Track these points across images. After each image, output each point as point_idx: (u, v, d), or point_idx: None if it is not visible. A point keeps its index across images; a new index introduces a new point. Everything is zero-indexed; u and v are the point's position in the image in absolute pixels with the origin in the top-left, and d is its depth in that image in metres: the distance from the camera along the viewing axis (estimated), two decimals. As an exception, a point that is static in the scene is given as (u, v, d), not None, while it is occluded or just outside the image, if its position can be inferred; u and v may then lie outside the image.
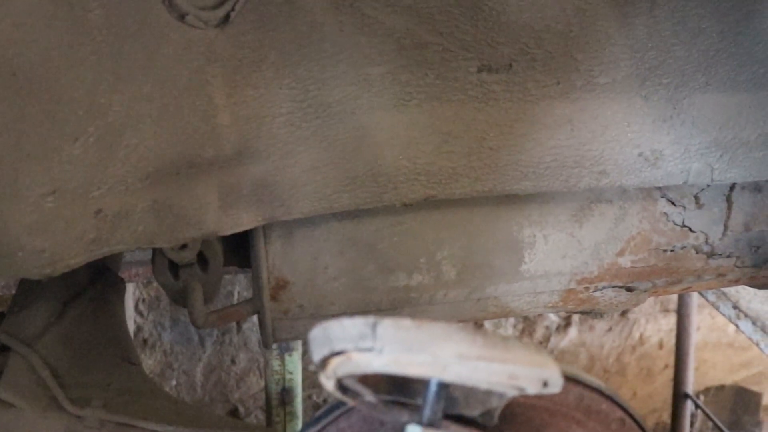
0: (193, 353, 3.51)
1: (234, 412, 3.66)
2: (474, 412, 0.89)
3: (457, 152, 1.28)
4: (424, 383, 0.84)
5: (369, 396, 0.88)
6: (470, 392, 0.87)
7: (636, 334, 4.21)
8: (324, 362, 0.81)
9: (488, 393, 0.86)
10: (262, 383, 3.40)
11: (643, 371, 4.30)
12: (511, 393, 0.82)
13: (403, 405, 0.90)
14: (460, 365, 0.75)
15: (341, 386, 0.85)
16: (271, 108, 1.18)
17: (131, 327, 3.21)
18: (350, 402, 0.89)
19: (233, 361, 3.56)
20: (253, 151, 1.20)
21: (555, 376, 0.79)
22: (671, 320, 4.05)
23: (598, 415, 1.05)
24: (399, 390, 0.89)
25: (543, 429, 0.98)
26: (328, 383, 0.83)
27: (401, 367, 0.76)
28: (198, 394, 3.56)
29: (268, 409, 2.73)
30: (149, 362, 3.42)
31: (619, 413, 1.06)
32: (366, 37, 1.17)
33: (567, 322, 4.04)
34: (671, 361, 3.77)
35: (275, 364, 2.66)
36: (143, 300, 3.35)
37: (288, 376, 2.68)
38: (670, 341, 4.01)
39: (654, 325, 4.21)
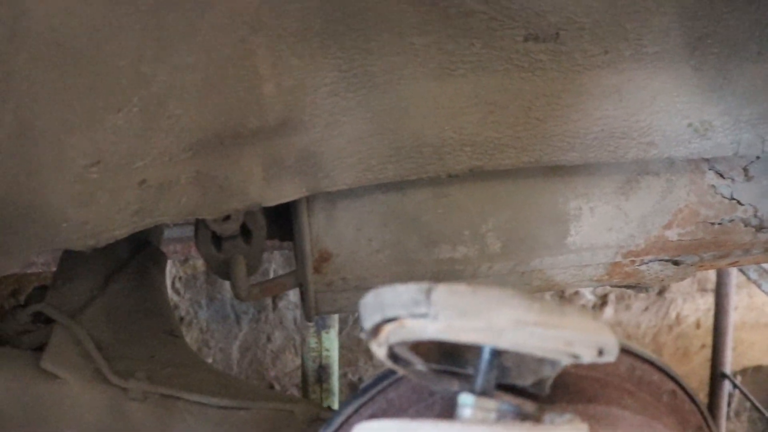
0: (230, 331, 3.52)
1: (270, 390, 3.68)
2: (526, 381, 0.88)
3: (503, 123, 1.26)
4: (475, 352, 0.83)
5: (420, 365, 0.87)
6: (522, 361, 0.86)
7: (673, 314, 4.17)
8: (376, 329, 0.79)
9: (541, 362, 0.85)
10: (298, 361, 3.41)
11: (680, 351, 4.27)
12: (566, 361, 0.81)
13: (454, 374, 0.89)
14: (516, 331, 0.73)
15: (392, 354, 0.84)
16: (315, 78, 1.17)
17: (169, 305, 3.22)
18: (400, 371, 0.89)
19: (269, 339, 3.57)
20: (297, 121, 1.19)
21: (611, 344, 0.78)
22: (708, 300, 4.02)
23: (649, 387, 1.03)
24: (449, 359, 0.89)
25: (595, 399, 0.97)
26: (379, 351, 0.82)
27: (456, 334, 0.74)
28: (234, 371, 3.57)
29: (304, 387, 2.73)
30: (186, 340, 3.44)
31: (671, 385, 1.05)
32: (411, 6, 1.16)
33: (603, 301, 4.01)
34: (708, 341, 3.75)
35: (312, 341, 2.66)
36: (180, 278, 3.37)
37: (325, 353, 2.68)
38: (708, 321, 3.97)
39: (691, 304, 4.17)
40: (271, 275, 3.34)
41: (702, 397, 4.20)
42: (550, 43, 1.23)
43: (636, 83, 1.28)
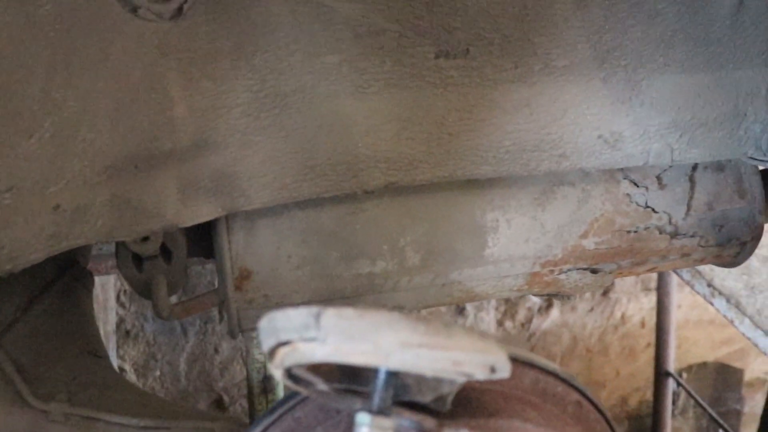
0: (176, 343, 3.51)
1: (218, 402, 3.67)
2: (426, 398, 0.90)
3: (416, 138, 1.28)
4: (374, 371, 0.84)
5: (321, 385, 0.88)
6: (422, 379, 0.87)
7: (618, 314, 4.22)
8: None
9: (438, 380, 0.86)
10: (246, 372, 3.41)
11: (626, 350, 4.33)
12: (460, 379, 0.83)
13: (356, 393, 0.91)
14: (402, 353, 0.75)
15: (292, 376, 0.85)
16: (227, 99, 1.18)
17: (113, 319, 3.21)
18: (303, 391, 0.90)
19: (216, 351, 3.57)
20: (210, 142, 1.20)
21: (502, 361, 0.80)
22: (652, 299, 4.08)
23: (554, 398, 1.05)
24: (352, 378, 0.90)
25: (497, 413, 0.98)
26: (276, 373, 0.83)
27: (344, 357, 0.76)
28: (182, 384, 3.57)
29: (250, 398, 2.74)
30: (132, 353, 3.43)
31: (576, 396, 1.07)
32: (321, 26, 1.18)
33: (549, 304, 4.05)
34: (653, 339, 3.80)
35: (256, 352, 2.67)
36: (125, 291, 3.35)
37: (269, 365, 2.68)
38: (652, 320, 4.03)
39: (635, 304, 4.23)
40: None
41: (648, 396, 4.26)
42: (461, 59, 1.25)
43: (546, 96, 1.30)
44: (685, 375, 4.28)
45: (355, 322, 0.74)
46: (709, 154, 1.41)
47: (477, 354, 0.78)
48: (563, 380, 1.05)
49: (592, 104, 1.32)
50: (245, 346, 2.71)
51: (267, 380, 2.72)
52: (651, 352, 4.10)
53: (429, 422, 0.88)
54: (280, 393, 2.74)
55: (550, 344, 4.09)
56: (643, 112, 1.35)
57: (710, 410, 3.60)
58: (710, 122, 1.38)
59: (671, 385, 3.70)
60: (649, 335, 4.22)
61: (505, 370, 0.81)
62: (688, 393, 3.72)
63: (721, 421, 3.54)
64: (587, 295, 4.09)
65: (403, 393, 0.88)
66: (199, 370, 3.57)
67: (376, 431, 0.83)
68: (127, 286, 3.32)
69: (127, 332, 3.40)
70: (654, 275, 3.90)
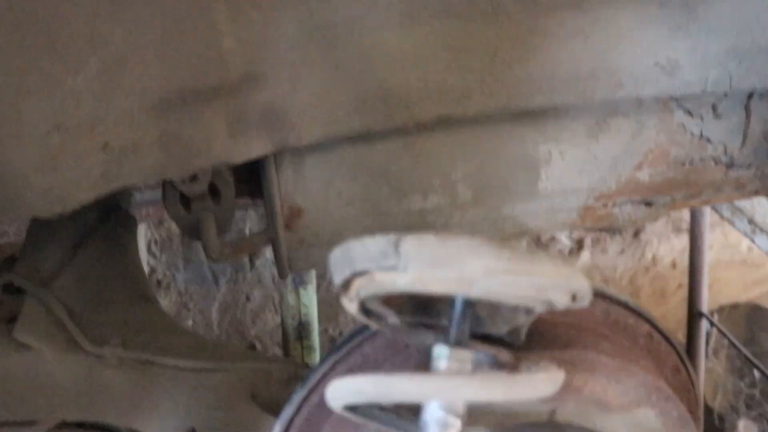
0: (208, 292, 3.51)
1: (251, 350, 3.68)
2: (501, 330, 0.88)
3: (468, 68, 1.25)
4: (448, 303, 0.82)
5: (393, 318, 0.86)
6: (496, 310, 0.85)
7: (649, 255, 4.19)
8: (346, 284, 0.78)
9: (514, 310, 0.84)
10: (278, 319, 3.41)
11: (657, 292, 4.30)
12: (539, 308, 0.80)
13: (428, 327, 0.89)
14: (487, 280, 0.72)
15: (364, 309, 0.83)
16: (276, 30, 1.15)
17: (144, 269, 3.21)
18: (373, 325, 0.88)
19: (248, 298, 3.57)
20: (259, 75, 1.17)
21: (584, 288, 0.77)
22: (684, 240, 4.04)
23: (625, 330, 1.03)
24: (423, 311, 0.88)
25: (570, 345, 0.96)
26: (350, 306, 0.80)
27: (426, 285, 0.73)
28: (214, 332, 3.57)
29: (285, 344, 2.73)
30: (164, 303, 3.43)
31: (647, 327, 1.05)
32: None
33: (579, 246, 4.03)
34: (685, 281, 3.77)
35: (290, 298, 2.66)
36: (155, 241, 3.35)
37: (304, 310, 2.67)
38: (683, 261, 4.00)
39: (666, 245, 4.20)
40: (247, 233, 3.33)
41: (680, 337, 4.24)
42: (514, -15, 1.22)
43: (601, 23, 1.26)
44: (716, 316, 4.25)
45: (437, 249, 0.72)
46: (769, 80, 1.37)
47: (561, 280, 0.75)
48: (634, 311, 1.04)
49: (648, 30, 1.28)
50: (279, 293, 2.71)
51: (302, 326, 2.71)
52: (682, 293, 4.07)
53: (505, 355, 0.86)
54: (315, 339, 2.73)
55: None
56: (700, 37, 1.30)
57: (744, 350, 3.58)
58: None
59: (704, 325, 3.67)
60: (681, 277, 4.19)
61: (586, 299, 0.79)
62: (722, 333, 3.70)
63: (756, 361, 3.52)
64: (617, 236, 4.07)
65: (476, 326, 0.86)
66: (231, 318, 3.57)
67: (454, 363, 0.80)
68: (158, 236, 3.32)
69: (159, 282, 3.40)
70: (686, 215, 3.86)
